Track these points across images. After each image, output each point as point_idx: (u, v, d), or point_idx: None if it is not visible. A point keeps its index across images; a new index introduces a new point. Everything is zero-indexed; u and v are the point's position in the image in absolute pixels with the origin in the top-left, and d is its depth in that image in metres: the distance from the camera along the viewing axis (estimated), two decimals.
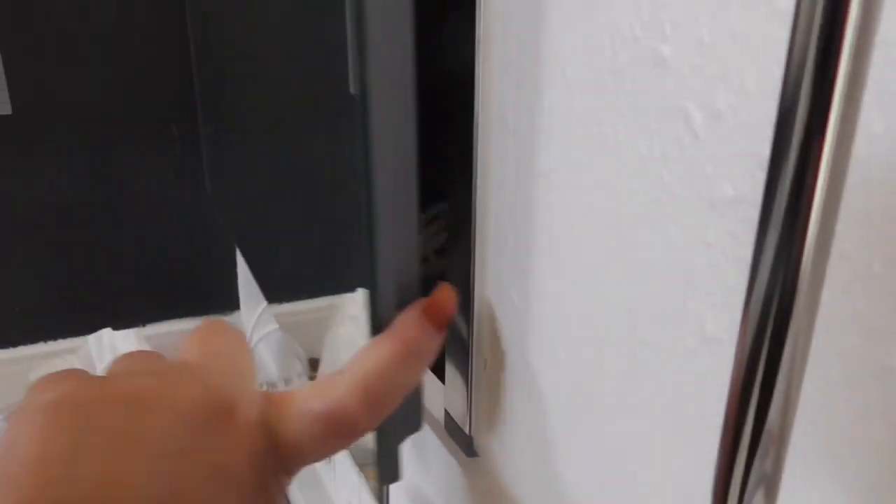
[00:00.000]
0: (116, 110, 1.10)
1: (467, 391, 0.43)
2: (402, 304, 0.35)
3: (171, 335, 1.24)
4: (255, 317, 0.82)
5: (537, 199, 0.36)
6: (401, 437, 0.43)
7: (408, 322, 0.34)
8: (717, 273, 0.25)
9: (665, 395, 0.29)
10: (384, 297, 0.36)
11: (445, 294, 0.36)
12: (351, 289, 0.64)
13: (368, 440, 0.50)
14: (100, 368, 0.89)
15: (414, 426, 0.43)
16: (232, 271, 1.27)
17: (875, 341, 0.20)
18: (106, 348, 0.87)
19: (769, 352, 0.18)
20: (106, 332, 0.87)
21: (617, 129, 0.29)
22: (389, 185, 0.35)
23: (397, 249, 0.37)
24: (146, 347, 0.90)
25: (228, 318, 1.30)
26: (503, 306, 0.40)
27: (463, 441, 0.45)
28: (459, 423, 0.45)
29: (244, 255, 0.95)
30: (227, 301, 1.29)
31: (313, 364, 0.83)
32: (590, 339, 0.34)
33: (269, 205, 0.85)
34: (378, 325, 0.35)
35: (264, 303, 0.81)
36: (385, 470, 0.43)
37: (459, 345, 0.43)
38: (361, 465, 0.55)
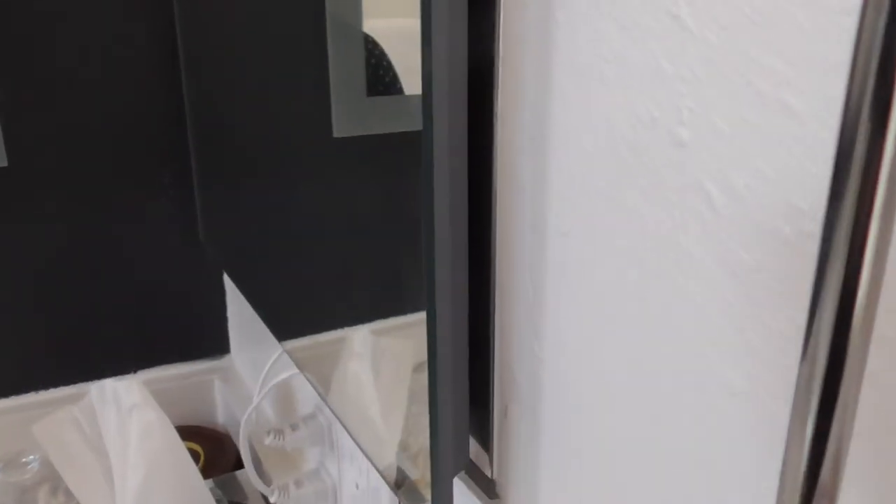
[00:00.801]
0: (110, 160, 1.12)
1: (489, 436, 0.46)
2: (455, 324, 0.39)
3: (165, 380, 1.24)
4: (269, 364, 0.83)
5: (554, 258, 0.39)
6: (453, 472, 0.45)
7: None
8: (739, 333, 0.28)
9: (690, 446, 0.32)
10: (442, 316, 0.40)
11: None
12: (352, 323, 0.66)
13: (411, 477, 0.52)
14: (101, 418, 0.89)
15: (463, 461, 0.45)
16: (223, 316, 1.29)
17: None
18: (108, 398, 0.88)
19: (820, 412, 0.21)
20: (108, 382, 0.88)
21: (636, 198, 0.32)
22: (446, 214, 0.39)
23: (453, 271, 0.40)
24: (146, 395, 0.91)
25: (219, 362, 1.31)
26: (523, 355, 0.43)
27: (485, 484, 0.47)
28: (482, 467, 0.47)
29: (249, 298, 0.97)
30: (220, 345, 1.30)
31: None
32: (609, 391, 0.36)
33: (260, 246, 0.87)
34: (434, 341, 0.39)
35: (279, 349, 0.82)
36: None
37: (481, 392, 0.45)
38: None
